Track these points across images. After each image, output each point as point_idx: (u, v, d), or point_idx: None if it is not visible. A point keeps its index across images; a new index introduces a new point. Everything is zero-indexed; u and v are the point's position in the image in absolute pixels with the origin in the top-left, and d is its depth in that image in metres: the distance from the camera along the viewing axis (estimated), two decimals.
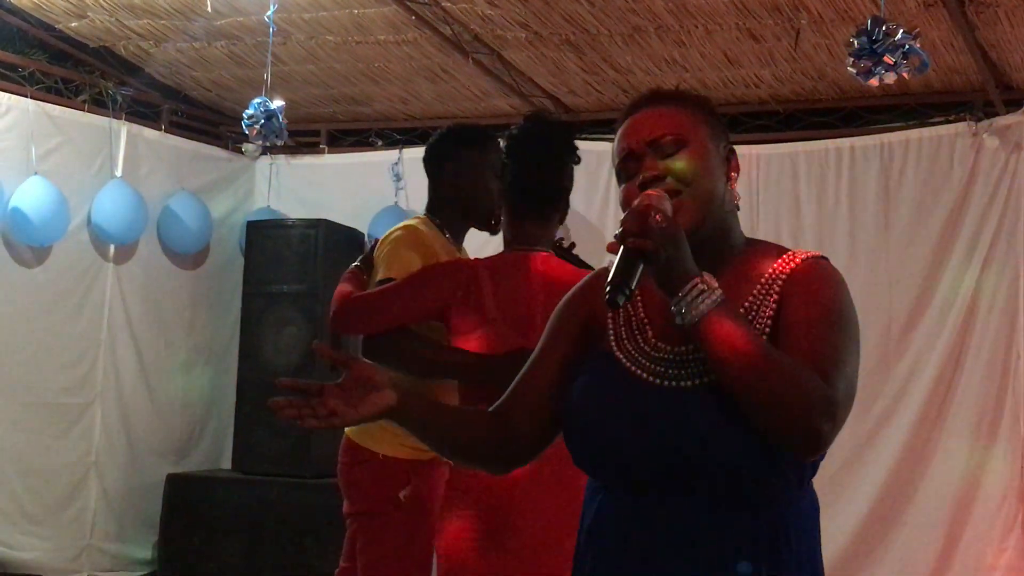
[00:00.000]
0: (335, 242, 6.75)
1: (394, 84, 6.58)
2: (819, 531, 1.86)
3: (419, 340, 3.10)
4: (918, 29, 4.33)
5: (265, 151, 7.09)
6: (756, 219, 6.07)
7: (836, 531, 5.56)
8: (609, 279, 1.69)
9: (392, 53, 6.15)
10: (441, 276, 3.11)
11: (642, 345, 1.85)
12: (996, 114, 5.91)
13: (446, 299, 3.03)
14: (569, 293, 2.01)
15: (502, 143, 3.27)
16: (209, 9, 5.32)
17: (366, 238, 6.88)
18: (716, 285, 1.71)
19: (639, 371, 1.82)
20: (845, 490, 5.75)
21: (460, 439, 1.95)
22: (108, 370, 6.48)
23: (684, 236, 1.73)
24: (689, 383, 1.78)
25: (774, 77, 6.07)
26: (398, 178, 6.84)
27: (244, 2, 5.61)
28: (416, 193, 6.82)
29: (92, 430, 6.39)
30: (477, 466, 2.07)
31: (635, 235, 1.70)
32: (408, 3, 5.48)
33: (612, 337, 1.88)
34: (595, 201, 6.35)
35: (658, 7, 5.36)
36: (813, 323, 1.77)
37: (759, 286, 1.84)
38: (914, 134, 6.03)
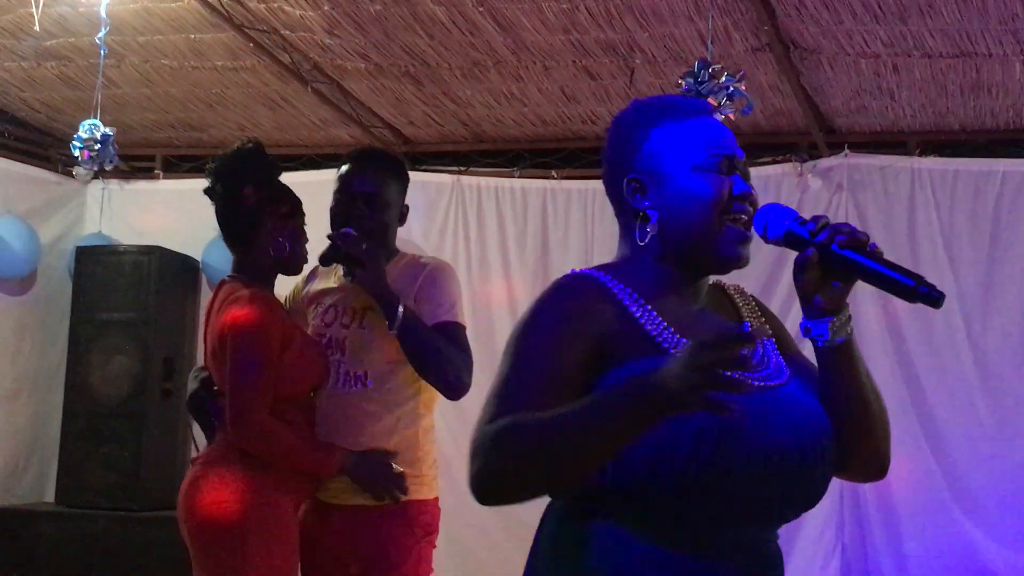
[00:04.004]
0: (169, 269, 6.62)
1: (232, 111, 6.51)
2: None
3: None
4: (742, 72, 4.49)
5: (97, 175, 6.91)
6: (592, 254, 6.17)
7: None
8: (916, 281, 1.61)
9: (230, 79, 6.09)
10: None
11: None
12: (820, 156, 6.14)
13: None
14: (570, 308, 1.71)
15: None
16: (37, 28, 5.18)
17: (200, 265, 6.77)
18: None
19: (733, 373, 1.63)
20: None
21: None
22: None
23: None
24: (772, 383, 1.74)
25: (610, 114, 6.17)
26: None
27: (76, 23, 5.49)
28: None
29: None
30: None
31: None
32: (246, 30, 5.44)
33: (666, 345, 1.71)
34: (433, 231, 6.38)
35: (496, 43, 5.44)
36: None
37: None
38: None
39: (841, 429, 1.74)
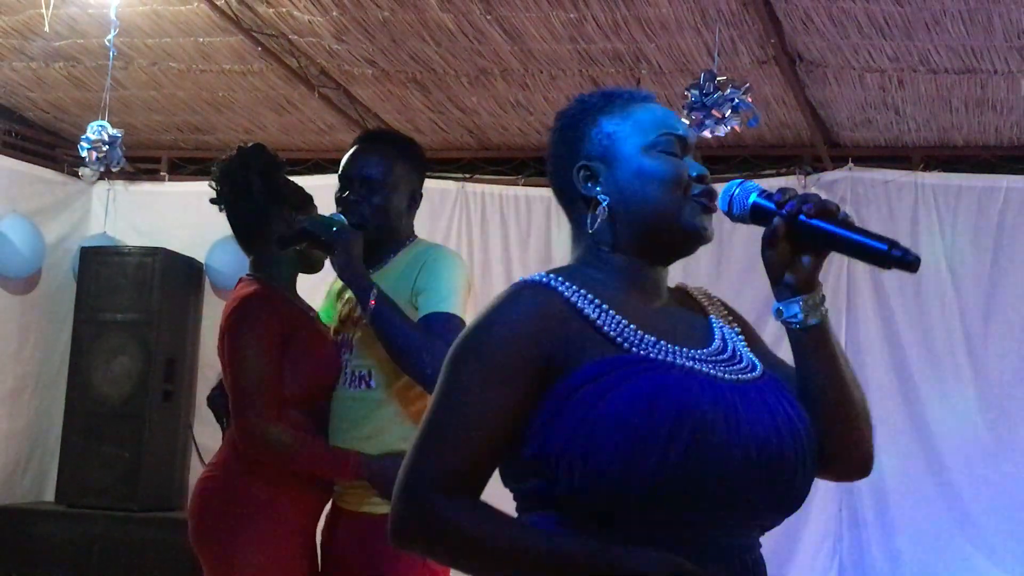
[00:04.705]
0: (172, 271, 6.64)
1: (238, 114, 6.53)
2: None
3: None
4: (748, 84, 4.50)
5: (103, 176, 6.93)
6: None
7: None
8: (889, 245, 1.55)
9: (237, 83, 6.11)
10: None
11: (667, 346, 1.62)
12: (824, 169, 6.16)
13: None
14: (514, 331, 1.62)
15: None
16: (47, 29, 5.20)
17: (204, 267, 6.79)
18: None
19: (705, 367, 1.61)
20: None
21: None
22: None
23: None
24: (746, 376, 1.64)
25: None
26: None
27: (85, 24, 5.51)
28: None
29: None
30: None
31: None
32: (254, 34, 5.46)
33: (626, 343, 1.61)
34: (436, 237, 6.37)
35: (503, 51, 5.46)
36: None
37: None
38: None
39: (821, 420, 1.65)
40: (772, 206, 1.63)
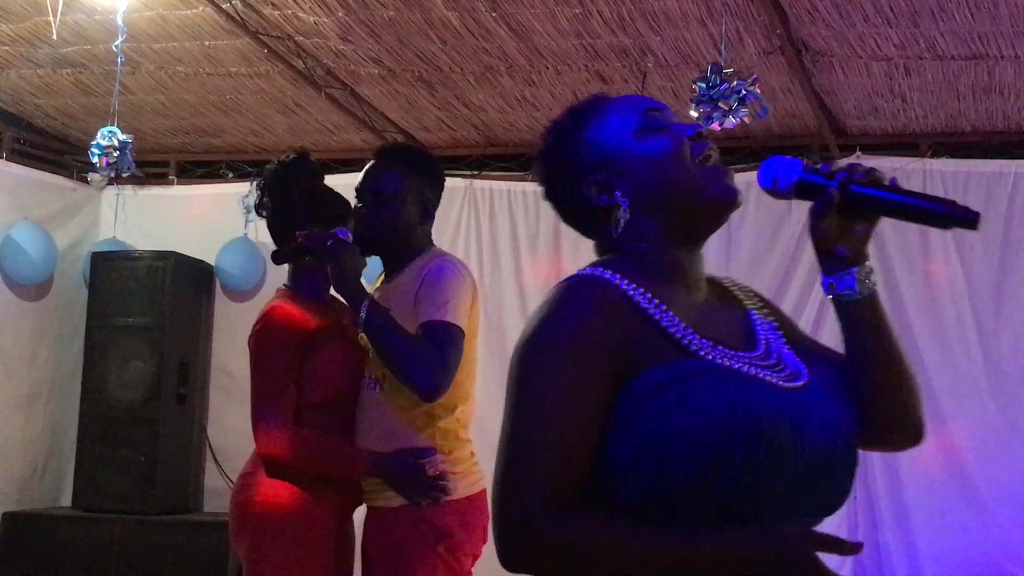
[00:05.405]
0: (183, 274, 6.66)
1: (246, 116, 6.55)
2: None
3: None
4: (755, 76, 4.50)
5: (112, 181, 6.96)
6: None
7: None
8: (948, 205, 1.55)
9: (244, 85, 6.12)
10: None
11: (724, 350, 1.58)
12: (832, 158, 6.15)
13: None
14: (581, 325, 1.54)
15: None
16: (54, 36, 5.22)
17: (214, 271, 6.80)
18: None
19: (762, 374, 1.57)
20: None
21: None
22: None
23: None
24: (796, 384, 1.59)
25: None
26: (248, 211, 6.78)
27: (92, 31, 5.53)
28: (265, 226, 6.77)
29: None
30: None
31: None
32: (261, 37, 5.48)
33: (691, 346, 1.56)
34: (445, 235, 6.39)
35: (509, 48, 5.46)
36: None
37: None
38: (754, 175, 6.21)
39: (876, 392, 1.65)
40: (820, 179, 1.62)
